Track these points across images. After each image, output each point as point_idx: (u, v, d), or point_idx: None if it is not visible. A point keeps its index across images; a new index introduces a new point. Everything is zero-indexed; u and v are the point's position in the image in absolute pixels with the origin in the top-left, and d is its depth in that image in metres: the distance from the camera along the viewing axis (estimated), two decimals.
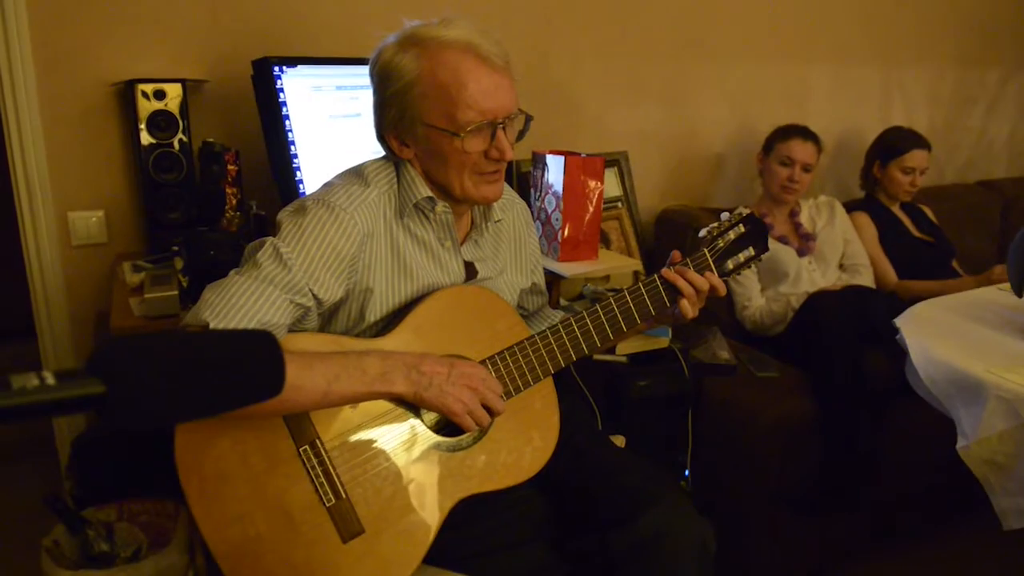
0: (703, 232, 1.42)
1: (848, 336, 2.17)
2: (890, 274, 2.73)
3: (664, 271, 1.37)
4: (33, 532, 1.73)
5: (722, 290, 1.38)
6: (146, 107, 2.00)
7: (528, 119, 1.34)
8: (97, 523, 1.73)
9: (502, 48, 1.27)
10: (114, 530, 1.75)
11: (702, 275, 1.36)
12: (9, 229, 2.14)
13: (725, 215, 1.43)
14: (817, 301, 2.37)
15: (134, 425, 0.52)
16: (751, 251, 1.42)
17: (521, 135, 1.34)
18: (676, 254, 1.40)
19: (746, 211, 1.43)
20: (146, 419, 0.53)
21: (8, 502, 2.38)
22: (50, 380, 0.48)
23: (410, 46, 1.26)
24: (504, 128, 1.28)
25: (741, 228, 1.41)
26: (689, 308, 1.36)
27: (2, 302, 2.75)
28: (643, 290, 1.36)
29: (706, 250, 1.39)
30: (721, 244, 1.40)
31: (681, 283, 1.35)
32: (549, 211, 2.13)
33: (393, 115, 1.28)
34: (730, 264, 1.41)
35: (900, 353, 1.78)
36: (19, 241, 2.11)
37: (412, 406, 1.25)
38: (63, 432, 2.23)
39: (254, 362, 0.58)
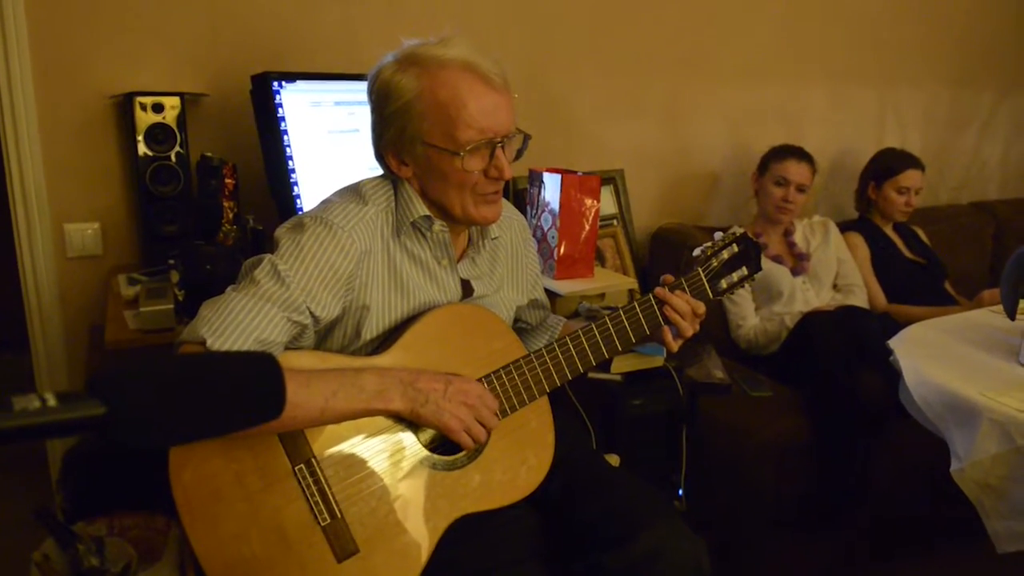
0: (697, 251, 1.43)
1: (842, 356, 2.18)
2: (880, 297, 2.74)
3: (658, 290, 1.38)
4: (23, 546, 1.71)
5: (700, 310, 1.39)
6: (144, 120, 2.00)
7: (526, 138, 1.34)
8: (87, 538, 1.71)
9: (501, 67, 1.28)
10: (104, 545, 1.73)
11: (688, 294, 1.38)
12: (4, 240, 2.14)
13: (719, 234, 1.44)
14: (811, 321, 2.37)
15: (134, 446, 0.52)
16: (744, 271, 1.43)
17: (519, 154, 1.35)
18: (668, 277, 1.41)
19: (740, 231, 1.44)
20: (146, 441, 0.53)
21: None
22: (51, 402, 0.48)
23: (409, 65, 1.26)
24: (503, 147, 1.29)
25: (735, 247, 1.42)
26: (686, 326, 1.37)
27: None
28: (638, 309, 1.37)
29: (700, 269, 1.40)
30: (715, 264, 1.41)
31: (676, 301, 1.36)
32: (545, 228, 2.14)
33: (392, 134, 1.29)
34: (724, 283, 1.42)
35: (894, 374, 1.78)
36: (14, 252, 2.10)
37: (408, 424, 1.25)
38: (55, 446, 2.22)
39: (255, 385, 0.58)
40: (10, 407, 0.46)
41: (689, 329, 1.38)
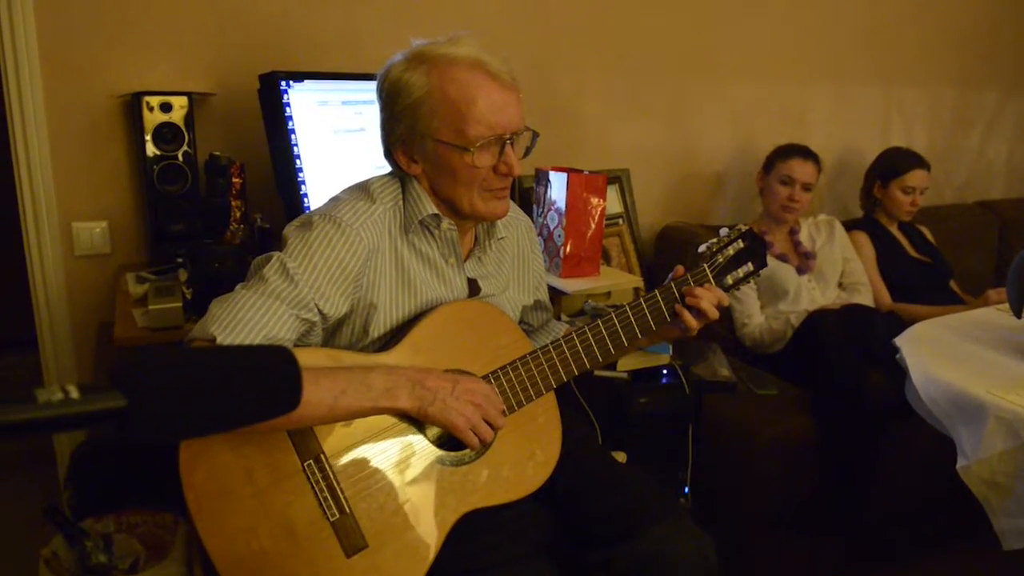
0: (702, 248, 1.44)
1: (848, 355, 2.18)
2: (884, 296, 2.74)
3: (694, 288, 1.39)
4: (31, 543, 1.72)
5: (725, 301, 1.41)
6: (152, 119, 2.01)
7: (535, 136, 1.35)
8: (95, 534, 1.72)
9: (509, 65, 1.29)
10: (112, 541, 1.74)
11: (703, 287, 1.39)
12: (13, 238, 2.15)
13: (724, 231, 1.45)
14: (817, 319, 2.38)
15: (154, 439, 0.53)
16: (750, 266, 1.44)
17: (528, 151, 1.36)
18: (679, 269, 1.42)
19: (744, 227, 1.45)
20: (166, 433, 0.54)
21: (7, 513, 2.37)
22: (74, 393, 0.49)
23: (419, 63, 1.27)
24: (512, 143, 1.29)
25: (740, 243, 1.43)
26: (710, 316, 1.38)
27: (4, 311, 2.75)
28: (644, 305, 1.38)
29: (705, 265, 1.41)
30: (720, 259, 1.42)
31: (700, 291, 1.37)
32: (551, 227, 2.14)
33: (402, 131, 1.29)
34: (729, 279, 1.43)
35: (900, 372, 1.79)
36: (23, 250, 2.11)
37: (416, 421, 1.25)
38: (62, 443, 2.23)
39: (273, 378, 0.58)
40: (34, 399, 0.47)
41: (713, 312, 1.38)
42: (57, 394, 0.48)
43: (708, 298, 1.37)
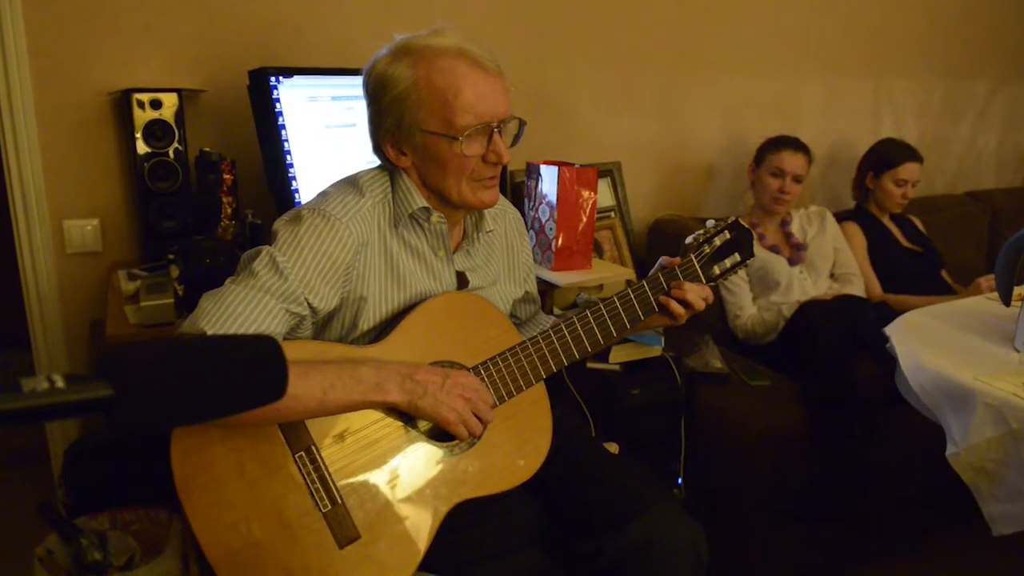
0: (689, 239, 1.45)
1: (839, 345, 2.19)
2: (876, 286, 2.76)
3: (683, 281, 1.41)
4: (26, 541, 1.72)
5: (711, 298, 1.43)
6: (142, 116, 2.01)
7: (522, 124, 1.36)
8: (90, 532, 1.72)
9: (493, 54, 1.30)
10: (107, 539, 1.74)
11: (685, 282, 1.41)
12: (4, 237, 2.14)
13: (710, 222, 1.46)
14: (808, 310, 2.39)
15: (141, 428, 0.53)
16: (737, 257, 1.46)
17: (516, 140, 1.37)
18: (675, 260, 1.43)
19: (731, 218, 1.46)
20: (153, 422, 0.54)
21: (1, 511, 2.37)
22: (59, 383, 0.49)
23: (403, 55, 1.28)
24: (500, 132, 1.30)
25: (727, 234, 1.45)
26: (696, 308, 1.41)
27: None
28: (631, 295, 1.39)
29: (692, 256, 1.42)
30: (707, 250, 1.44)
31: (690, 286, 1.40)
32: (543, 221, 2.15)
33: (390, 124, 1.30)
34: (716, 269, 1.44)
35: (890, 361, 1.80)
36: (14, 249, 2.11)
37: (406, 414, 1.26)
38: (56, 440, 2.23)
39: (258, 366, 0.59)
40: (19, 388, 0.48)
41: (700, 304, 1.41)
42: (43, 383, 0.48)
43: (695, 291, 1.39)
